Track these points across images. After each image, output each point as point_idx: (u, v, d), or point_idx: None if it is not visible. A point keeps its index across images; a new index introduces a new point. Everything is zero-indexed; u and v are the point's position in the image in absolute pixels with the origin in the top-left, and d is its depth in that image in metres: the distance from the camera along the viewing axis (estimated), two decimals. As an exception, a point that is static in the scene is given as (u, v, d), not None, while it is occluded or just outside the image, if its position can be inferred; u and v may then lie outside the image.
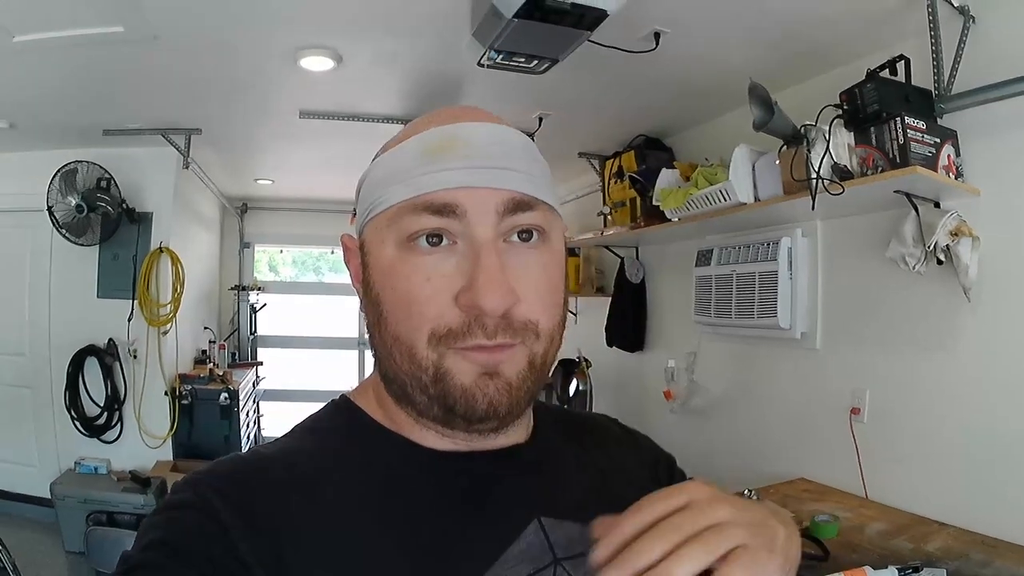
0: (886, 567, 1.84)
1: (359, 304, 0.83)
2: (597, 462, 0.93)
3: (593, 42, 2.60)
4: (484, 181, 0.71)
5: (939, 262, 2.47)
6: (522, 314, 0.71)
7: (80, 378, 5.15)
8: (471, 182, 0.71)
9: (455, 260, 0.71)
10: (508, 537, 0.75)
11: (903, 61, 2.59)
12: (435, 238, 0.71)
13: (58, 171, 4.78)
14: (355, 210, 0.84)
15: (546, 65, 2.81)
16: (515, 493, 0.79)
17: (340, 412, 0.85)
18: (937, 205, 2.56)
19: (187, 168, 4.85)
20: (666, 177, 3.62)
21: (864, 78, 2.57)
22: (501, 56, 2.71)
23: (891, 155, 2.44)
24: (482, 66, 2.78)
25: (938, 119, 2.50)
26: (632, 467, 0.96)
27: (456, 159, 0.72)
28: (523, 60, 2.75)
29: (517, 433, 0.83)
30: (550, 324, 0.75)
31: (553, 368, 3.26)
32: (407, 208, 0.72)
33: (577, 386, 4.76)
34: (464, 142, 0.74)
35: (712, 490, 0.66)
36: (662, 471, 1.01)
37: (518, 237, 0.73)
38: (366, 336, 0.95)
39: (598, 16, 2.35)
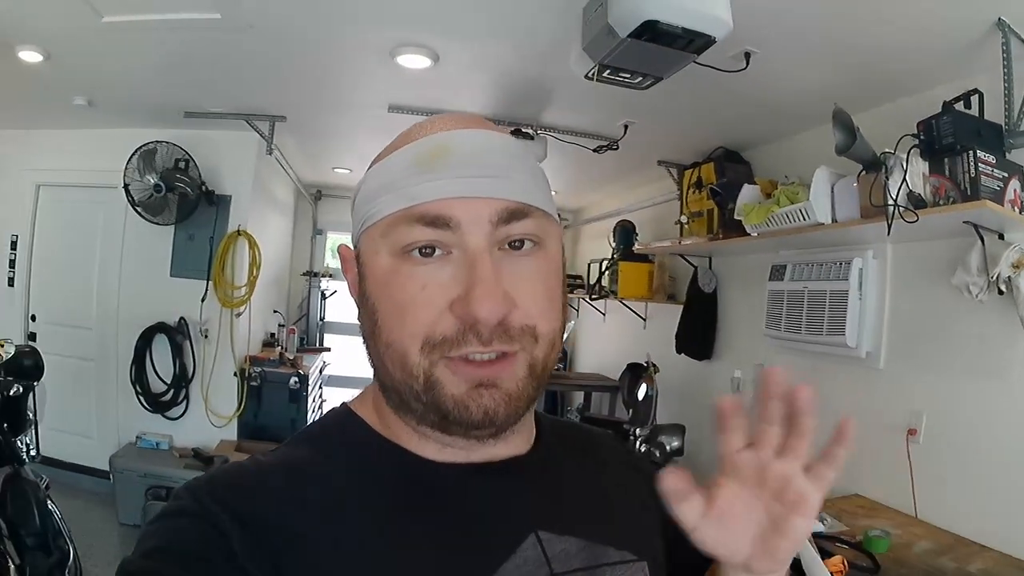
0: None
1: (357, 315, 0.87)
2: (599, 478, 0.98)
3: (695, 63, 2.77)
4: (477, 190, 0.76)
5: (1000, 292, 2.70)
6: (519, 320, 0.76)
7: (148, 354, 5.62)
8: (464, 192, 0.75)
9: (450, 269, 0.75)
10: (504, 551, 0.78)
11: (977, 95, 2.81)
12: (428, 249, 0.76)
13: (137, 150, 5.19)
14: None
15: (650, 82, 2.94)
16: (513, 506, 0.83)
17: (340, 421, 0.90)
18: (1001, 237, 2.78)
19: (270, 154, 5.24)
20: (748, 193, 3.91)
21: (940, 110, 2.81)
22: (609, 71, 2.83)
23: (962, 187, 2.70)
24: (589, 79, 2.90)
25: (1007, 153, 2.75)
26: (634, 486, 1.00)
27: (448, 168, 0.76)
28: (629, 76, 2.88)
29: (517, 443, 0.88)
30: (549, 328, 0.80)
31: (621, 371, 3.68)
32: (400, 219, 0.76)
33: (645, 391, 4.96)
34: (456, 150, 0.78)
35: None
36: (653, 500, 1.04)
37: (511, 246, 0.78)
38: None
39: (706, 42, 2.48)
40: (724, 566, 0.78)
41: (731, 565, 0.75)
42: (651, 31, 2.39)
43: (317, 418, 0.94)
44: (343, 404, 0.92)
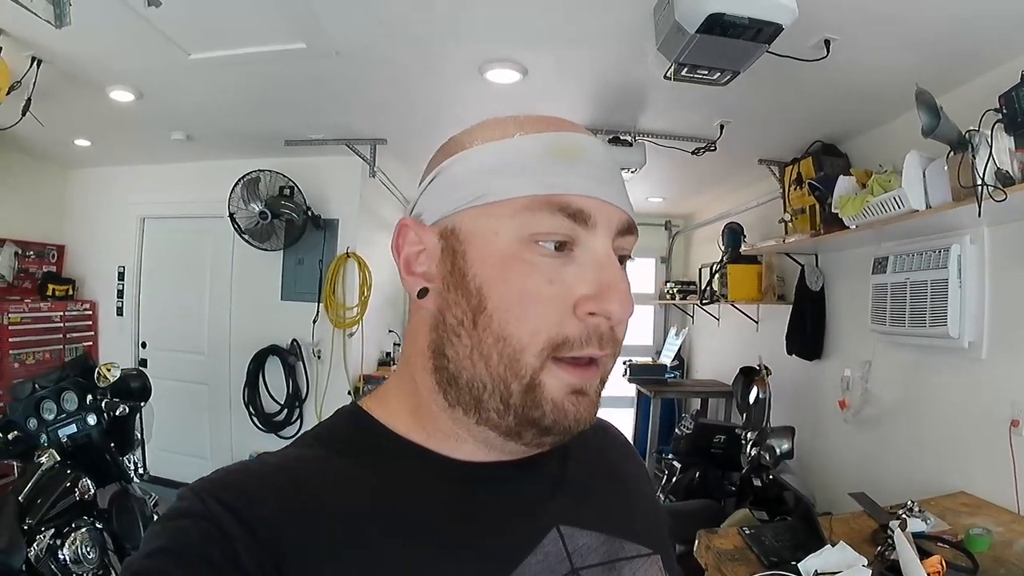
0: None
1: (415, 295, 0.88)
2: (616, 472, 1.05)
3: (770, 52, 2.88)
4: (613, 197, 0.83)
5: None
6: (619, 329, 0.84)
7: (260, 376, 6.35)
8: (604, 195, 0.82)
9: (574, 268, 0.80)
10: (527, 547, 0.83)
11: None
12: (561, 244, 0.80)
13: (240, 179, 5.88)
14: (413, 206, 0.93)
15: (728, 77, 3.09)
16: (535, 502, 0.89)
17: (351, 421, 0.92)
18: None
19: (373, 177, 5.84)
20: (843, 184, 4.13)
21: (1020, 81, 2.91)
22: (686, 69, 2.99)
23: None
24: (668, 79, 3.08)
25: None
26: (640, 477, 1.11)
27: (588, 168, 0.82)
28: (706, 72, 3.04)
29: None
30: (622, 345, 0.87)
31: (734, 376, 4.12)
32: (540, 203, 0.79)
33: (757, 394, 5.22)
34: (592, 153, 0.85)
35: None
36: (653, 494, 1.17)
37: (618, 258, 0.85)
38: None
39: (775, 30, 2.62)
40: None
41: None
42: (718, 24, 2.56)
43: (326, 418, 0.96)
44: (353, 403, 0.95)
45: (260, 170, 5.88)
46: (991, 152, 2.91)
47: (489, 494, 0.86)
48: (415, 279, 0.88)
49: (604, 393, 0.88)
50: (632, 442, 1.14)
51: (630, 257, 0.89)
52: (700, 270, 7.19)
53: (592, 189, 0.80)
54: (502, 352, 0.79)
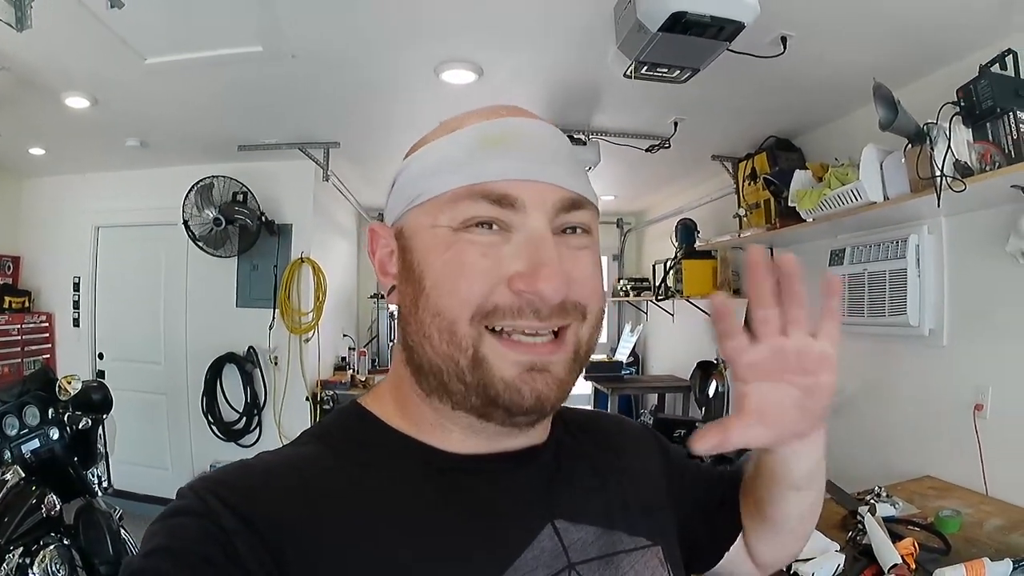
0: (1003, 560, 2.15)
1: (387, 295, 0.92)
2: (612, 463, 1.03)
3: (729, 50, 2.86)
4: (543, 176, 0.81)
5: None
6: (573, 295, 0.81)
7: (218, 384, 6.13)
8: (531, 175, 0.81)
9: (511, 248, 0.80)
10: (522, 542, 0.83)
11: (1012, 55, 2.94)
12: (487, 226, 0.80)
13: (193, 186, 5.69)
14: (380, 215, 0.94)
15: (688, 74, 3.07)
16: (530, 497, 0.88)
17: (350, 418, 0.93)
18: (1054, 198, 2.86)
19: (327, 180, 5.62)
20: (800, 178, 4.11)
21: (977, 74, 2.91)
22: (646, 67, 2.97)
23: (1007, 150, 2.81)
24: (628, 77, 3.04)
25: (1048, 110, 2.83)
26: (645, 465, 1.09)
27: (515, 151, 0.82)
28: (667, 70, 3.02)
29: (536, 433, 0.92)
30: (596, 307, 0.86)
31: (691, 370, 4.03)
32: (463, 194, 0.80)
33: (716, 387, 5.20)
34: (522, 136, 0.85)
35: None
36: (673, 459, 1.17)
37: (564, 232, 0.84)
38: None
39: (736, 28, 2.60)
40: (773, 451, 0.94)
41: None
42: (680, 22, 2.54)
43: (325, 416, 0.97)
44: (353, 401, 0.96)
45: (214, 176, 5.71)
46: (949, 144, 2.91)
47: (485, 488, 0.86)
48: (387, 279, 0.91)
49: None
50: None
51: (587, 228, 0.87)
52: (654, 266, 7.19)
53: (517, 172, 0.80)
54: (440, 327, 0.80)
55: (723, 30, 2.62)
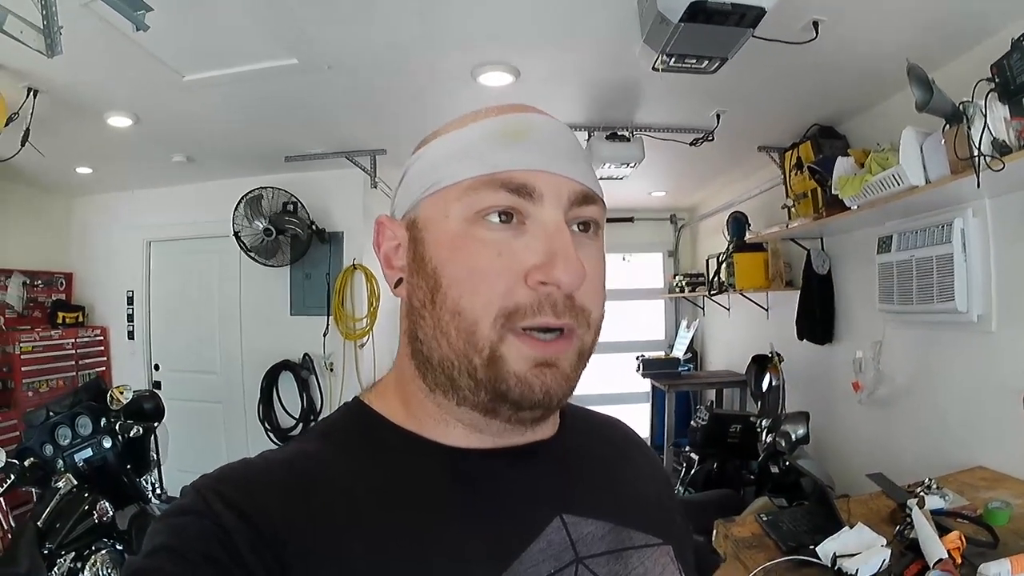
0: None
1: (392, 288, 0.94)
2: (622, 463, 1.06)
3: (757, 37, 2.87)
4: (561, 169, 0.84)
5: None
6: (581, 299, 0.83)
7: (274, 392, 6.40)
8: (549, 167, 0.83)
9: (524, 240, 0.81)
10: (529, 535, 0.83)
11: None
12: (506, 216, 0.81)
13: (242, 198, 5.94)
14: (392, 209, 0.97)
15: (716, 64, 3.10)
16: (538, 489, 0.89)
17: (353, 415, 0.94)
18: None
19: (375, 187, 5.84)
20: (842, 165, 4.12)
21: (1010, 48, 2.87)
22: (673, 59, 3.01)
23: None
24: (657, 70, 3.10)
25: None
26: (651, 473, 1.11)
27: (534, 143, 0.85)
28: (694, 61, 3.05)
29: (543, 429, 0.94)
30: (598, 315, 0.88)
31: (747, 364, 4.10)
32: (482, 183, 0.82)
33: (770, 381, 5.26)
34: (539, 130, 0.87)
35: None
36: (668, 488, 1.16)
37: (577, 227, 0.87)
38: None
39: (758, 13, 2.62)
40: None
41: None
42: (701, 11, 2.57)
43: (330, 413, 0.98)
44: (355, 398, 0.97)
45: (262, 187, 5.94)
46: (986, 122, 2.88)
47: (490, 482, 0.86)
48: (393, 272, 0.93)
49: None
50: (649, 436, 1.13)
51: (597, 224, 0.90)
52: (707, 261, 7.21)
53: (536, 163, 0.83)
54: (459, 327, 0.81)
55: (745, 16, 2.65)
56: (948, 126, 3.17)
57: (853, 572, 2.24)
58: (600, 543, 0.88)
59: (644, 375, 7.48)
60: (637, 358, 7.61)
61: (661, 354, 8.18)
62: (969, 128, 2.95)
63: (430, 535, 0.78)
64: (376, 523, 0.78)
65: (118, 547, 3.56)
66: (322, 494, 0.78)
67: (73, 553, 3.30)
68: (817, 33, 3.26)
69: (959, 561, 2.26)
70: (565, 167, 0.84)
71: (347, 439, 0.89)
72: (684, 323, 8.67)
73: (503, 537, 0.82)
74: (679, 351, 8.21)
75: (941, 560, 2.20)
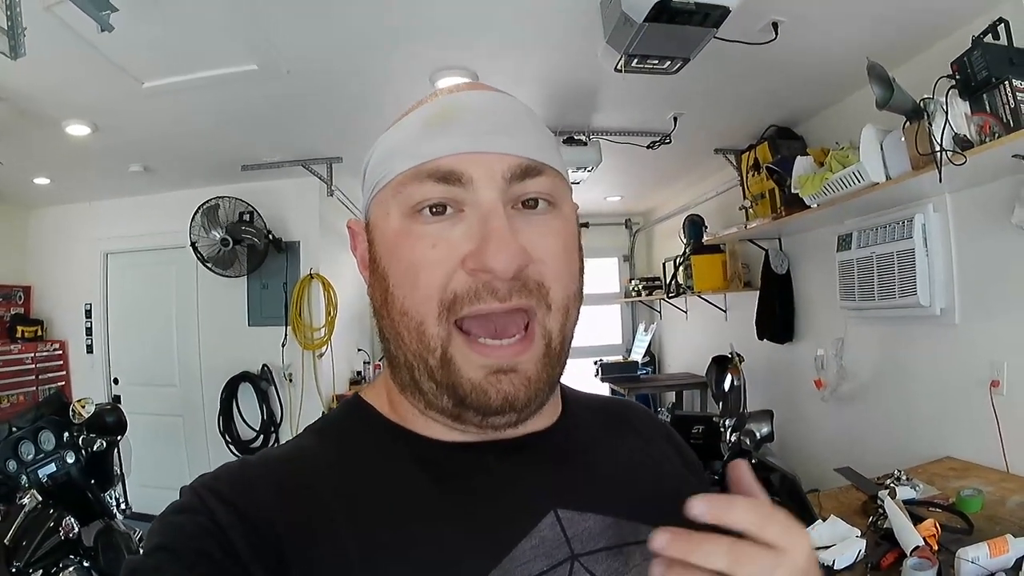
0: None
1: (367, 290, 0.91)
2: (632, 453, 0.98)
3: (718, 38, 2.85)
4: (490, 146, 0.78)
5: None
6: (535, 274, 0.78)
7: (234, 404, 6.23)
8: (476, 147, 0.78)
9: (463, 227, 0.78)
10: (520, 531, 0.79)
11: (1003, 24, 2.91)
12: (439, 207, 0.78)
13: (199, 208, 5.79)
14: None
15: (679, 64, 3.05)
16: (530, 483, 0.84)
17: (350, 411, 0.94)
18: (1056, 166, 2.84)
19: (331, 196, 5.69)
20: (802, 164, 4.10)
21: (970, 46, 2.89)
22: (636, 60, 2.96)
23: (1005, 119, 2.78)
24: (619, 71, 3.04)
25: (1043, 77, 2.81)
26: (669, 458, 1.03)
27: (459, 125, 0.80)
28: (656, 62, 3.00)
29: (538, 420, 0.88)
30: (564, 294, 0.82)
31: (707, 366, 4.01)
32: (411, 176, 0.79)
33: (732, 381, 5.15)
34: (466, 109, 0.82)
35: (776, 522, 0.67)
36: (689, 463, 1.08)
37: (524, 205, 0.81)
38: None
39: (722, 13, 2.60)
40: None
41: None
42: (665, 11, 2.54)
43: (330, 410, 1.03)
44: (355, 394, 0.96)
45: (219, 197, 5.81)
46: (947, 118, 2.89)
47: (480, 476, 0.83)
48: (366, 274, 0.90)
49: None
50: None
51: (549, 198, 0.83)
52: (664, 264, 7.25)
53: (462, 145, 0.78)
54: (408, 327, 0.80)
55: (709, 16, 2.63)
56: (908, 123, 3.17)
57: (829, 563, 2.22)
58: (599, 539, 0.82)
59: (603, 379, 7.48)
60: (595, 363, 7.66)
61: (619, 358, 8.18)
62: (930, 124, 2.95)
63: (417, 531, 0.75)
64: (363, 518, 0.75)
65: (85, 564, 3.42)
66: (316, 487, 0.77)
67: (40, 571, 3.18)
68: (777, 34, 3.26)
69: (936, 548, 2.26)
70: (498, 143, 0.79)
71: (342, 434, 0.89)
72: (642, 327, 8.70)
73: (493, 533, 0.78)
74: (637, 355, 8.24)
75: (918, 547, 2.20)
